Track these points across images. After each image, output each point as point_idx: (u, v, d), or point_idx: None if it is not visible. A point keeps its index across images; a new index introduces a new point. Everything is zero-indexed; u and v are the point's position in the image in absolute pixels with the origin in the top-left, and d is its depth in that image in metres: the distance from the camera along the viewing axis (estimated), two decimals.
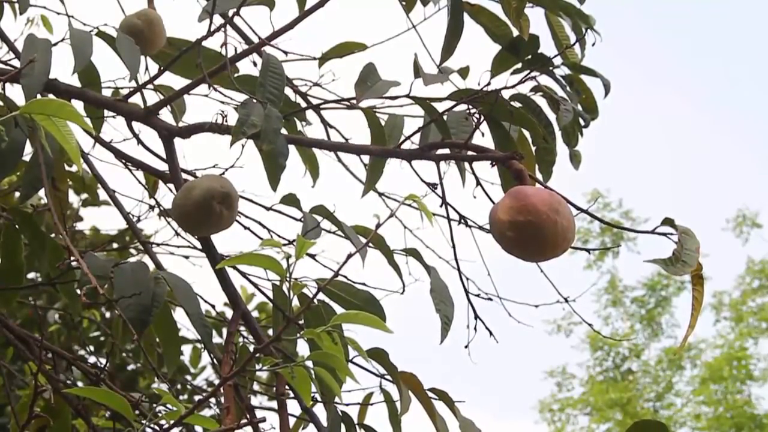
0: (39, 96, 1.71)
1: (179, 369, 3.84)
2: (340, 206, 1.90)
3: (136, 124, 2.03)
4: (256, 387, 3.64)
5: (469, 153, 1.76)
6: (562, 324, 17.94)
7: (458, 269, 2.12)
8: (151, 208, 2.53)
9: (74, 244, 2.47)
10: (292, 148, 1.78)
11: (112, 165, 2.27)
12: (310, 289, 1.88)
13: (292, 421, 1.86)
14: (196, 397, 3.68)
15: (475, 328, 2.17)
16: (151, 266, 1.91)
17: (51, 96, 1.85)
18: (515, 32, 2.03)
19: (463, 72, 2.04)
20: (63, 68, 1.83)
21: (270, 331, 2.15)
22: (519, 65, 2.04)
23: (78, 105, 1.98)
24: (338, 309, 1.91)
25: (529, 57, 2.03)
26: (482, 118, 1.76)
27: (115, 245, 3.50)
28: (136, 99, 2.03)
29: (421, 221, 2.29)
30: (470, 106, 1.88)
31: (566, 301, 2.31)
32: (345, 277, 1.96)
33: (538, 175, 2.00)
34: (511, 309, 2.30)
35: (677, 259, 1.58)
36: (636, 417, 15.78)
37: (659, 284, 17.98)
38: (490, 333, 2.18)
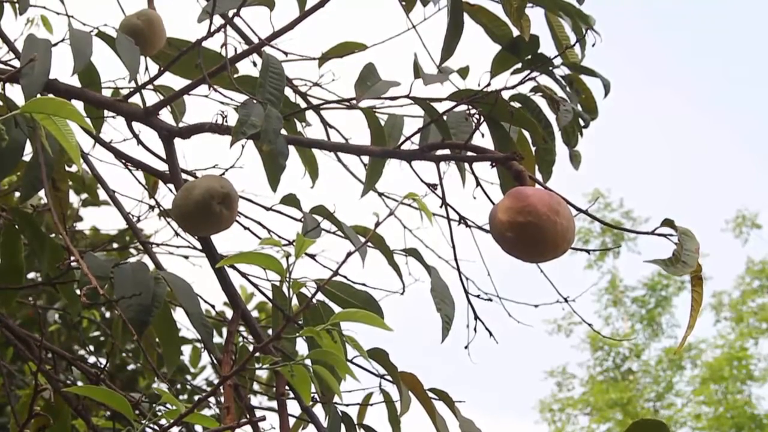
0: (39, 96, 1.71)
1: (179, 369, 3.84)
2: (339, 206, 1.90)
3: (136, 125, 2.03)
4: (256, 387, 3.64)
5: (469, 153, 1.76)
6: (562, 324, 17.97)
7: (458, 269, 2.12)
8: (151, 208, 2.53)
9: (74, 244, 2.47)
10: (291, 148, 1.78)
11: (112, 165, 2.27)
12: (310, 289, 1.88)
13: (292, 421, 1.86)
14: (196, 397, 3.68)
15: (475, 329, 2.17)
16: (151, 266, 1.91)
17: (51, 96, 1.85)
18: (515, 32, 2.03)
19: (463, 72, 2.04)
20: (63, 68, 1.83)
21: (270, 331, 2.15)
22: (519, 65, 2.04)
23: (78, 105, 1.98)
24: (337, 309, 1.91)
25: (529, 57, 2.03)
26: (482, 118, 1.76)
27: (115, 245, 3.50)
28: (135, 99, 2.03)
29: (420, 221, 2.30)
30: (470, 107, 1.88)
31: (566, 301, 2.31)
32: (344, 277, 1.96)
33: (538, 176, 2.00)
34: (511, 309, 2.31)
35: (677, 259, 1.58)
36: (636, 417, 15.78)
37: (659, 284, 17.99)
38: (490, 333, 2.18)
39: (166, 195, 2.88)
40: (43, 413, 2.00)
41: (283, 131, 1.76)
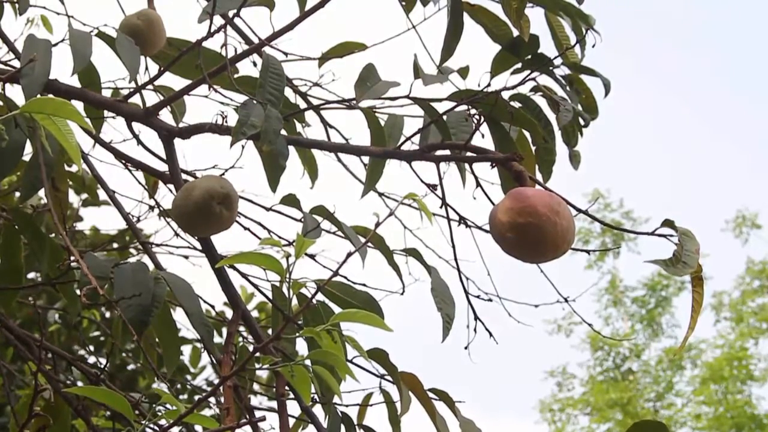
0: (39, 96, 1.70)
1: (179, 369, 3.84)
2: (339, 207, 1.90)
3: (136, 125, 2.03)
4: (256, 387, 3.64)
5: (469, 154, 1.76)
6: (562, 324, 17.97)
7: (458, 269, 2.12)
8: (151, 208, 2.53)
9: (74, 244, 2.47)
10: (291, 148, 1.78)
11: (112, 165, 2.27)
12: (310, 289, 1.88)
13: (291, 421, 1.86)
14: (196, 397, 3.68)
15: (475, 329, 2.17)
16: (151, 266, 1.91)
17: (51, 96, 1.85)
18: (515, 32, 2.03)
19: (463, 72, 2.04)
20: (63, 68, 1.83)
21: (270, 331, 2.15)
22: (519, 65, 2.04)
23: (78, 105, 1.98)
24: (337, 310, 1.91)
25: (529, 57, 2.03)
26: (482, 118, 1.76)
27: (115, 245, 3.50)
28: (135, 99, 2.03)
29: (420, 221, 2.30)
30: (470, 107, 1.88)
31: (566, 301, 2.31)
32: (345, 277, 1.96)
33: (538, 176, 2.00)
34: (511, 309, 2.31)
35: (677, 259, 1.58)
36: (636, 417, 15.79)
37: (659, 284, 17.99)
38: (490, 334, 2.18)
39: (166, 195, 2.87)
40: (43, 413, 2.00)
41: (283, 132, 1.76)
